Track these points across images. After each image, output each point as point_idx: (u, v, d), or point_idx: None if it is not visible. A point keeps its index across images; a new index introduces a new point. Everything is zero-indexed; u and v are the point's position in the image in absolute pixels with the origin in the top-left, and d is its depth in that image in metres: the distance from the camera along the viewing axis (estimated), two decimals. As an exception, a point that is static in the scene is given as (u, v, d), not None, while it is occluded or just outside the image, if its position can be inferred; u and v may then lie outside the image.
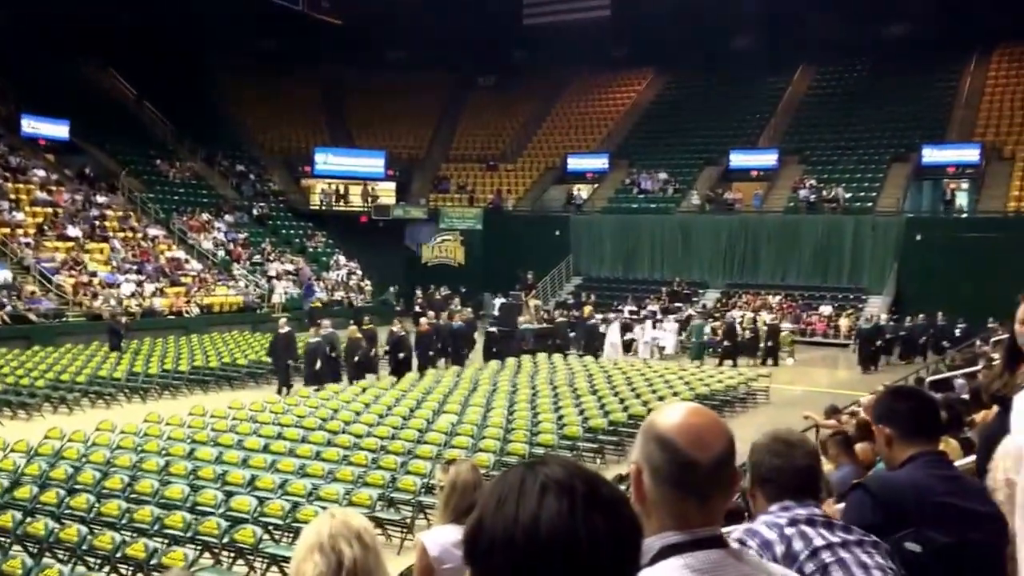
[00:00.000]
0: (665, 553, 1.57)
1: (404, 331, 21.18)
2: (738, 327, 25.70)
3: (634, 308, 30.09)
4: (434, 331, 22.55)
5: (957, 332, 25.42)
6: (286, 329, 20.05)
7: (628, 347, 26.03)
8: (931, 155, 31.86)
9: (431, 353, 21.79)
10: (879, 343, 24.28)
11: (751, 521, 2.35)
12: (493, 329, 24.99)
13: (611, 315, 27.64)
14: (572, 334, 26.72)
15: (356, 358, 19.76)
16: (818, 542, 2.14)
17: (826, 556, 2.11)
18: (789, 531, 2.19)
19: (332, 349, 19.49)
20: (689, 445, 1.60)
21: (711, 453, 1.60)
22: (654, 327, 27.43)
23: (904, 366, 23.52)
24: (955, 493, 2.58)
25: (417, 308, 29.97)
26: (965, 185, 31.83)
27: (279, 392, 18.71)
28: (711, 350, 25.35)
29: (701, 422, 1.64)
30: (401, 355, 20.48)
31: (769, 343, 25.05)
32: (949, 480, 2.66)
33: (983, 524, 2.53)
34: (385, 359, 21.35)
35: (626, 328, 26.79)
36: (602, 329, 26.06)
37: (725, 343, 24.85)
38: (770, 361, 24.55)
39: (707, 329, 25.94)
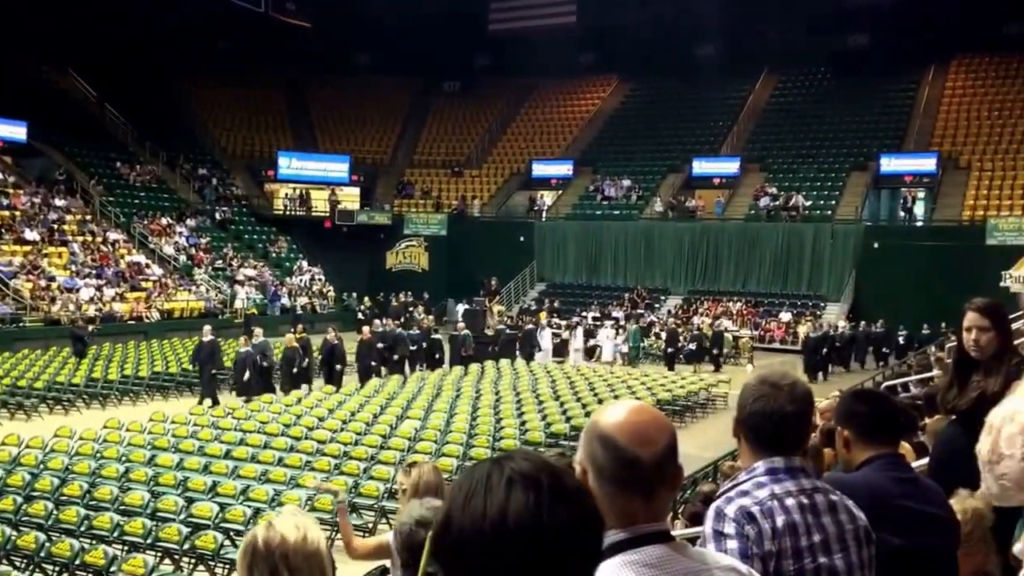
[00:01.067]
0: (611, 551, 1.57)
1: (338, 339, 20.38)
2: (680, 334, 25.91)
3: (597, 314, 30.28)
4: (378, 339, 21.84)
5: (900, 339, 25.91)
6: (209, 337, 19.00)
7: (591, 353, 26.11)
8: (889, 164, 32.46)
9: (372, 363, 21.01)
10: (825, 351, 24.42)
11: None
12: (458, 334, 24.99)
13: (554, 320, 27.65)
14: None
15: (294, 369, 19.10)
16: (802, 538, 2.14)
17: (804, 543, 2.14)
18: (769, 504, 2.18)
19: (264, 358, 18.70)
20: (631, 442, 1.61)
21: (654, 450, 1.61)
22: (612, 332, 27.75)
23: (844, 374, 23.92)
24: (911, 496, 2.61)
25: (360, 315, 29.31)
26: (922, 194, 32.47)
27: (200, 403, 17.44)
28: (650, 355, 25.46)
29: (643, 419, 1.65)
30: (337, 365, 19.80)
31: (714, 350, 25.17)
32: (905, 482, 2.70)
33: (936, 527, 2.58)
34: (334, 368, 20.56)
35: (589, 334, 26.89)
36: (541, 335, 25.64)
37: (668, 349, 24.98)
38: (712, 367, 24.58)
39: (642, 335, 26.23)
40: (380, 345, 22.06)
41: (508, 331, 25.89)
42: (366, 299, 32.91)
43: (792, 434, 2.27)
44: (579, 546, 1.19)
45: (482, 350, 23.70)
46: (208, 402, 17.69)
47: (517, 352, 24.25)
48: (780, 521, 2.12)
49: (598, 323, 29.01)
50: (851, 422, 2.84)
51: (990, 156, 32.14)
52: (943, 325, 22.80)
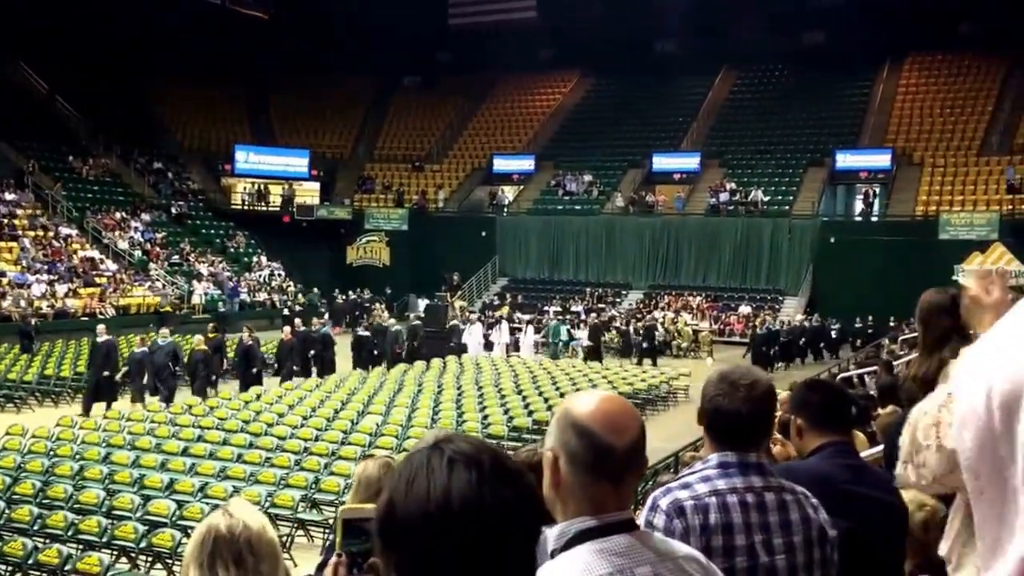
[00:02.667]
0: (580, 538, 1.60)
1: (253, 339, 19.11)
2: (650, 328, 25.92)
3: (559, 309, 30.35)
4: (300, 339, 20.54)
5: (833, 334, 26.24)
6: (104, 337, 17.50)
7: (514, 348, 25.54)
8: (844, 160, 32.97)
9: (294, 366, 19.69)
10: (775, 349, 24.42)
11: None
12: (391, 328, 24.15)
13: (471, 316, 26.97)
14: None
15: (208, 372, 17.81)
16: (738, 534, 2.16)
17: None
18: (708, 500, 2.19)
19: (176, 361, 17.45)
20: (605, 431, 1.63)
21: (626, 438, 1.64)
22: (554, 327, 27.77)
23: (794, 368, 23.97)
24: (857, 481, 2.66)
25: (286, 312, 28.24)
26: (876, 189, 33.00)
27: (86, 411, 15.88)
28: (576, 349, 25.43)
29: (615, 408, 1.68)
30: (253, 368, 18.50)
31: (645, 345, 25.14)
32: (852, 469, 2.75)
33: (883, 512, 2.62)
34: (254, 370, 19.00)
35: (512, 331, 26.39)
36: (469, 331, 25.12)
37: (590, 344, 24.94)
38: (647, 361, 24.48)
39: (563, 330, 26.05)
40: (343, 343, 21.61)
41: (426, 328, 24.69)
42: (310, 294, 32.36)
43: (748, 431, 2.28)
44: (522, 524, 1.21)
45: (438, 346, 23.08)
46: (102, 406, 16.23)
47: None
48: (712, 518, 2.14)
49: (560, 318, 29.02)
50: (803, 411, 2.90)
51: (942, 152, 32.78)
52: (891, 319, 23.44)
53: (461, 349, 23.66)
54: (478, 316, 26.93)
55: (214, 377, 18.25)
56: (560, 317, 27.98)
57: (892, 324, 24.13)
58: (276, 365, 20.42)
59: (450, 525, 1.16)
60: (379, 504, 1.24)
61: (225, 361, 19.54)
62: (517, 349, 25.12)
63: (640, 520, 2.12)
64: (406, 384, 17.65)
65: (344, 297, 31.99)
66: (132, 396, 16.92)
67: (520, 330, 26.60)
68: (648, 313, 29.66)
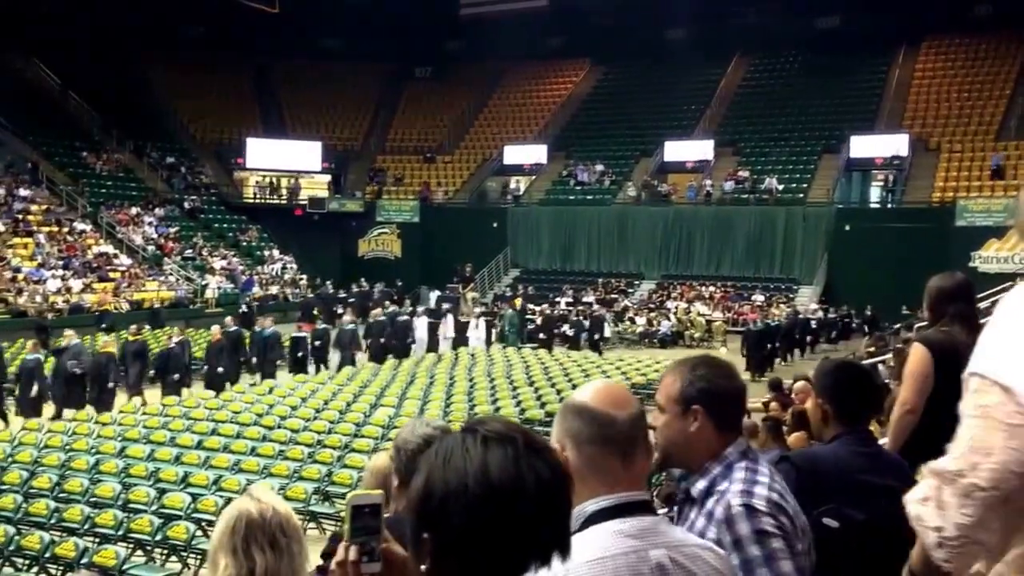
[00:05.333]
0: (597, 517, 1.62)
1: (181, 343, 17.71)
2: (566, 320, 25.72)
3: (571, 299, 30.30)
4: (231, 340, 18.77)
5: (813, 324, 25.55)
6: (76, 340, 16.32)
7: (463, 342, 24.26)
8: (860, 146, 32.63)
9: (220, 369, 17.88)
10: (770, 346, 22.50)
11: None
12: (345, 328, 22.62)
13: (419, 309, 25.96)
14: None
15: (110, 381, 15.91)
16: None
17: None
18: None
19: (78, 365, 15.64)
20: (605, 405, 1.69)
21: (627, 410, 1.69)
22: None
23: (785, 364, 22.71)
24: (873, 470, 2.63)
25: (243, 310, 26.63)
26: (893, 176, 32.74)
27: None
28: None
29: (613, 387, 1.78)
30: (175, 375, 17.00)
31: (595, 336, 24.82)
32: (870, 457, 2.72)
33: (896, 499, 2.60)
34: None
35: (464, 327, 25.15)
36: (416, 325, 23.89)
37: (541, 335, 24.67)
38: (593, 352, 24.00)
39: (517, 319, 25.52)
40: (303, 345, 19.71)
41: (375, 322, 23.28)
42: (322, 287, 31.96)
43: (741, 415, 2.31)
44: (558, 497, 1.24)
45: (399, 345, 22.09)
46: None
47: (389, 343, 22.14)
48: (792, 502, 2.07)
49: (571, 308, 28.96)
50: (831, 395, 2.84)
51: (959, 138, 32.41)
52: (903, 308, 23.33)
53: (406, 349, 22.43)
54: (424, 310, 25.89)
55: (111, 384, 15.93)
56: (513, 306, 27.42)
57: (906, 311, 24.01)
58: (205, 368, 18.44)
59: (491, 499, 1.19)
60: (414, 485, 1.25)
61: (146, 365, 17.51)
62: (466, 343, 23.59)
63: (741, 532, 1.98)
64: (419, 376, 17.67)
65: (314, 290, 31.29)
66: (18, 409, 15.09)
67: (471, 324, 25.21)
68: (661, 303, 29.65)
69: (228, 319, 20.60)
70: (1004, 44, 35.00)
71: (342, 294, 30.79)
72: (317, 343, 20.73)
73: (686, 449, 2.13)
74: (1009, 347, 1.01)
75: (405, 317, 23.76)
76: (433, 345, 23.67)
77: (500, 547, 1.20)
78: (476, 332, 24.40)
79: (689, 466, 2.16)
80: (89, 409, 14.62)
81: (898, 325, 23.20)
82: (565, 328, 25.36)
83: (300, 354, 20.16)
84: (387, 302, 26.60)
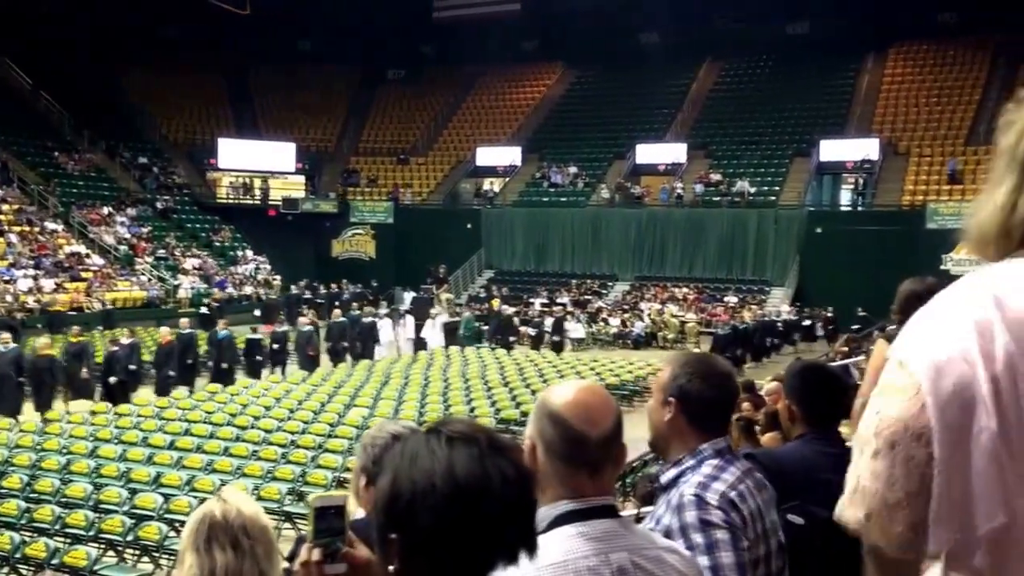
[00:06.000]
0: (562, 520, 1.63)
1: (126, 346, 16.90)
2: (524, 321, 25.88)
3: (546, 301, 30.43)
4: (182, 343, 17.91)
5: (780, 327, 25.92)
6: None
7: (421, 344, 23.86)
8: (830, 150, 33.02)
9: (171, 373, 17.10)
10: (739, 349, 22.50)
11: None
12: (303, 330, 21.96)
13: (381, 311, 25.30)
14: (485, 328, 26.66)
15: (54, 382, 15.31)
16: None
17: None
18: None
19: (20, 371, 14.97)
20: (579, 421, 1.67)
21: (600, 429, 1.68)
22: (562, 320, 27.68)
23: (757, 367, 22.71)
24: (839, 469, 2.67)
25: (206, 310, 25.77)
26: (863, 179, 33.16)
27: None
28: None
29: (591, 399, 1.72)
30: (112, 378, 16.11)
31: (556, 338, 25.02)
32: (836, 457, 2.71)
33: None
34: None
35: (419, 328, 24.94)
36: (380, 327, 23.36)
37: (497, 336, 24.72)
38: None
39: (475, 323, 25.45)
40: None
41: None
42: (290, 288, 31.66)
43: (727, 416, 2.35)
44: (522, 495, 1.24)
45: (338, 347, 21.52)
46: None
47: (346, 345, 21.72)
48: (752, 504, 2.16)
49: (546, 309, 29.09)
50: (798, 396, 2.93)
51: (928, 142, 32.91)
52: (859, 310, 23.83)
53: (369, 351, 22.01)
54: (386, 313, 25.21)
55: (52, 387, 15.41)
56: (492, 306, 27.57)
57: (861, 313, 24.60)
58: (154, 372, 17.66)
59: (458, 498, 1.19)
60: (380, 486, 1.25)
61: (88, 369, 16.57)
62: (424, 347, 23.46)
63: (687, 519, 2.09)
64: (393, 377, 17.69)
65: (264, 294, 31.01)
66: None
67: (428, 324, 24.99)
68: (635, 305, 29.84)
69: (183, 320, 19.95)
70: (971, 51, 35.61)
71: (307, 295, 30.68)
72: (275, 346, 20.16)
73: (662, 437, 2.29)
74: (911, 330, 1.10)
75: (369, 319, 23.25)
76: (422, 344, 23.70)
77: (468, 546, 1.21)
78: (432, 332, 24.33)
79: (666, 454, 2.30)
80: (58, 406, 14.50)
81: (856, 326, 23.75)
82: (528, 329, 25.50)
83: (257, 357, 19.49)
84: (363, 303, 26.42)
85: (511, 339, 24.77)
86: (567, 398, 1.71)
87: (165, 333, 18.07)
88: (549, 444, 1.68)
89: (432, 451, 1.22)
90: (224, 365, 18.36)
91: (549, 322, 26.12)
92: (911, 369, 1.07)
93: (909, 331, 1.12)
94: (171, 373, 17.14)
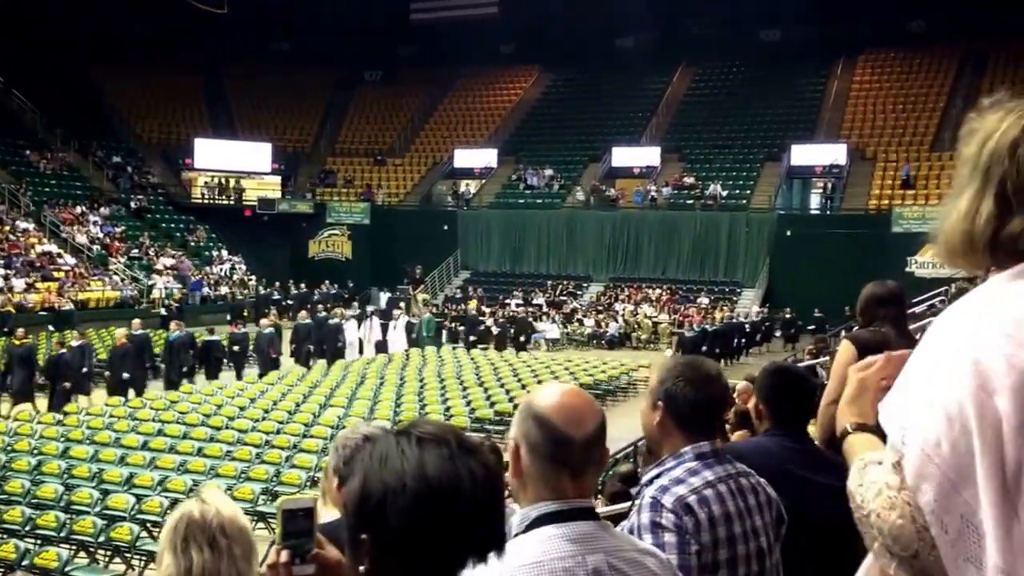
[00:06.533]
0: (541, 521, 1.67)
1: (76, 347, 16.51)
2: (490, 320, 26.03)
3: (520, 301, 30.59)
4: (137, 345, 17.47)
5: (748, 328, 26.10)
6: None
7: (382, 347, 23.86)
8: (800, 155, 33.43)
9: (125, 375, 16.62)
10: (705, 350, 22.21)
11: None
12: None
13: (348, 312, 25.07)
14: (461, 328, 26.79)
15: None
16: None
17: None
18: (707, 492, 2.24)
19: None
20: (564, 423, 1.70)
21: (584, 431, 1.70)
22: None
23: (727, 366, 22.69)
24: (802, 465, 2.71)
25: (165, 313, 24.97)
26: (832, 183, 33.59)
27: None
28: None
29: (576, 402, 1.75)
30: (67, 382, 15.61)
31: (520, 338, 25.26)
32: (798, 452, 2.82)
33: (826, 497, 2.63)
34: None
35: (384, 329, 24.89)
36: (345, 328, 23.19)
37: (471, 337, 24.94)
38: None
39: (434, 323, 25.44)
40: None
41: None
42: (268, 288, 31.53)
43: (715, 419, 2.40)
44: (491, 494, 1.26)
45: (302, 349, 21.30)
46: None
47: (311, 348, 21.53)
48: (716, 510, 2.20)
49: (520, 309, 29.27)
50: (766, 395, 3.01)
51: (894, 148, 33.40)
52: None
53: (335, 353, 21.83)
54: (352, 314, 25.05)
55: None
56: (468, 308, 27.70)
57: (817, 314, 25.22)
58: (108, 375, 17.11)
59: (429, 498, 1.20)
60: (351, 487, 1.26)
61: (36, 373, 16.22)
62: (385, 349, 23.44)
63: (642, 520, 2.19)
64: (368, 377, 17.75)
65: (233, 295, 30.79)
66: None
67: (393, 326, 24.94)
68: (609, 305, 30.05)
69: (136, 321, 19.26)
70: (937, 59, 36.22)
71: (276, 295, 30.56)
72: (235, 348, 19.82)
73: (653, 440, 2.40)
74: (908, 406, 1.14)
75: (335, 320, 22.99)
76: (383, 347, 23.50)
77: (439, 546, 1.21)
78: (395, 334, 24.27)
79: (656, 453, 2.40)
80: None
81: (811, 327, 24.18)
82: (492, 328, 25.69)
83: (214, 359, 19.04)
84: (333, 304, 26.19)
85: (472, 339, 24.95)
86: (553, 400, 1.74)
87: (119, 335, 17.58)
88: (533, 445, 1.71)
89: (402, 452, 1.23)
90: (182, 368, 18.12)
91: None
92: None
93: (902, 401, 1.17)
94: (125, 375, 16.66)
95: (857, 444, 1.47)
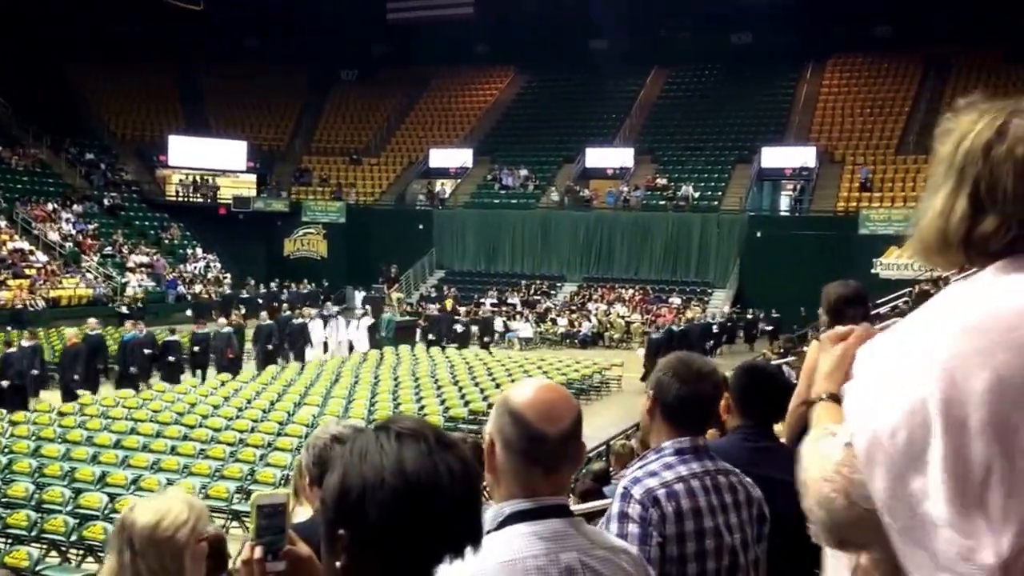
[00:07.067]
0: (513, 519, 1.67)
1: (26, 347, 15.93)
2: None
3: (495, 301, 30.78)
4: (91, 345, 17.06)
5: (715, 329, 26.52)
6: None
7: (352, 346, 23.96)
8: (770, 157, 33.85)
9: (76, 376, 16.19)
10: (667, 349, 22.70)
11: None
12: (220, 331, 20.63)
13: (313, 312, 24.73)
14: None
15: None
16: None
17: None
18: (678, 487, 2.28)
19: None
20: (539, 419, 1.69)
21: (559, 427, 1.70)
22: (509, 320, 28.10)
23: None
24: (763, 463, 2.70)
25: (126, 311, 24.50)
26: (800, 186, 34.07)
27: None
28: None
29: (551, 398, 1.75)
30: (5, 382, 15.06)
31: (485, 338, 25.66)
32: (761, 451, 2.86)
33: (787, 493, 2.94)
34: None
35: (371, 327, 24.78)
36: (312, 328, 23.12)
37: (430, 336, 25.12)
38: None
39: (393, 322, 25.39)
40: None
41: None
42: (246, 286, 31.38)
43: (702, 417, 2.42)
44: (469, 490, 1.27)
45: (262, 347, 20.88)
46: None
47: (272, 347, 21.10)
48: (685, 504, 2.24)
49: (496, 309, 29.47)
50: (736, 393, 3.08)
51: (862, 151, 33.87)
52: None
53: (300, 352, 21.57)
54: (317, 314, 24.79)
55: None
56: (445, 307, 28.04)
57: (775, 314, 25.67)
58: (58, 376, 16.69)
59: (408, 493, 1.20)
60: (330, 482, 1.26)
61: None
62: (350, 349, 23.48)
63: (613, 510, 2.27)
64: (343, 375, 17.83)
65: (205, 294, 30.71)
66: None
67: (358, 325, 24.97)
68: (583, 305, 30.30)
69: (91, 321, 18.76)
70: (903, 64, 36.82)
71: (245, 294, 30.50)
72: (195, 348, 19.30)
73: (647, 433, 2.48)
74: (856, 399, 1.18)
75: (300, 320, 22.63)
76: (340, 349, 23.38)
77: (417, 540, 1.21)
78: (357, 334, 24.22)
79: (647, 445, 2.48)
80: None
81: (770, 327, 24.58)
82: (456, 327, 25.97)
83: (170, 359, 18.49)
84: (302, 304, 26.00)
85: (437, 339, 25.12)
86: (528, 396, 1.73)
87: (70, 335, 17.06)
88: (508, 441, 1.70)
89: (381, 447, 1.24)
90: (132, 369, 17.59)
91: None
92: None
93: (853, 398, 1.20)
94: (76, 377, 16.14)
95: (823, 413, 1.51)
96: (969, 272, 1.17)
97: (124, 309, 26.22)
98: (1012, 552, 0.99)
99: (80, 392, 15.79)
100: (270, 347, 20.90)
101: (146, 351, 18.08)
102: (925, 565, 1.05)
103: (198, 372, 19.16)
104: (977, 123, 1.16)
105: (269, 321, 21.91)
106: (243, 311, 25.55)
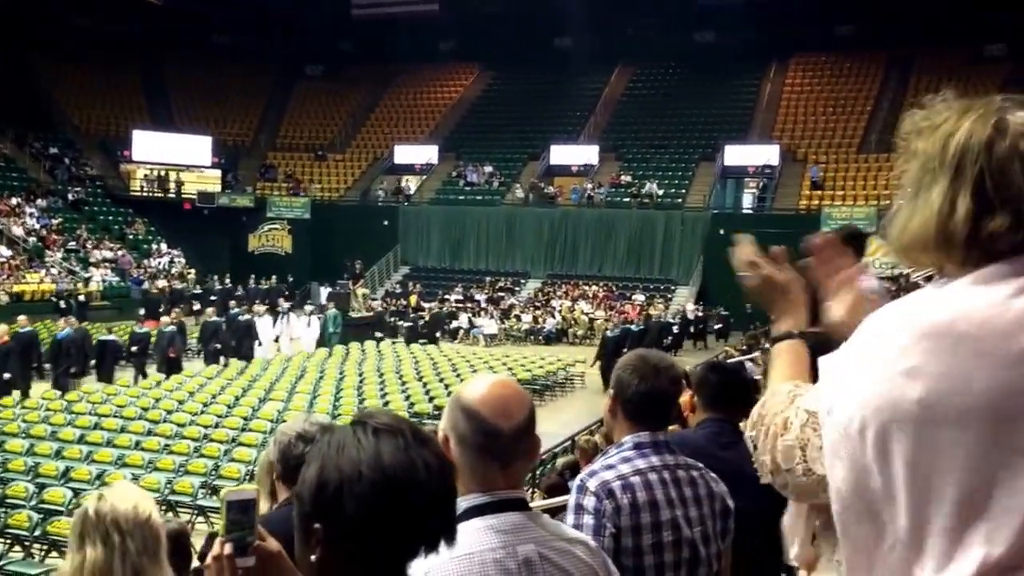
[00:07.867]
0: (470, 513, 1.67)
1: None
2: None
3: (460, 297, 30.98)
4: (21, 343, 16.59)
5: (675, 329, 26.71)
6: None
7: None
8: (734, 155, 34.32)
9: (6, 375, 15.75)
10: (626, 350, 22.96)
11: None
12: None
13: (260, 309, 23.71)
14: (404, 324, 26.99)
15: None
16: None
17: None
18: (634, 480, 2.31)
19: None
20: (492, 414, 1.70)
21: (513, 422, 1.71)
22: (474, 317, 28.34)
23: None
24: (728, 458, 2.74)
25: (63, 306, 23.63)
26: (763, 184, 34.59)
27: None
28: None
29: (504, 393, 1.75)
30: None
31: (436, 334, 25.83)
32: (727, 445, 2.89)
33: (752, 487, 2.91)
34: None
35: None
36: (259, 325, 22.28)
37: (377, 334, 25.25)
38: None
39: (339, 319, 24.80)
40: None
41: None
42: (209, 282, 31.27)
43: (662, 412, 2.45)
44: (444, 484, 1.29)
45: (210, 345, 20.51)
46: None
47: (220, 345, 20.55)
48: (640, 496, 2.27)
49: (460, 306, 29.67)
50: (700, 389, 3.18)
51: (824, 150, 34.48)
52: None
53: (246, 350, 20.82)
54: (265, 311, 23.98)
55: None
56: (410, 302, 28.36)
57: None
58: None
59: (385, 487, 1.21)
60: (307, 476, 1.27)
61: None
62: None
63: (570, 502, 2.33)
64: (308, 371, 17.90)
65: (160, 289, 30.17)
66: None
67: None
68: (548, 301, 30.59)
69: (22, 318, 18.02)
70: (865, 63, 37.46)
71: (198, 290, 30.28)
72: (134, 347, 18.76)
73: (609, 429, 2.53)
74: (825, 377, 1.19)
75: (246, 317, 21.80)
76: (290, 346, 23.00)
77: (393, 534, 1.22)
78: (309, 331, 24.07)
79: (610, 440, 2.55)
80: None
81: (719, 326, 24.92)
82: (402, 323, 26.26)
83: (108, 359, 17.95)
84: (256, 301, 25.50)
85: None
86: (481, 392, 1.74)
87: (2, 332, 16.14)
88: (462, 437, 1.71)
89: (359, 441, 1.25)
90: (72, 368, 17.09)
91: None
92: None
93: (823, 378, 1.22)
94: (6, 376, 15.64)
95: (784, 352, 1.57)
96: (931, 273, 1.16)
97: (60, 303, 25.09)
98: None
99: (14, 391, 15.36)
100: (218, 345, 20.38)
101: (72, 350, 17.34)
102: (862, 566, 1.06)
103: (134, 372, 18.58)
104: (962, 120, 1.11)
105: (215, 318, 21.43)
106: (192, 308, 24.91)
